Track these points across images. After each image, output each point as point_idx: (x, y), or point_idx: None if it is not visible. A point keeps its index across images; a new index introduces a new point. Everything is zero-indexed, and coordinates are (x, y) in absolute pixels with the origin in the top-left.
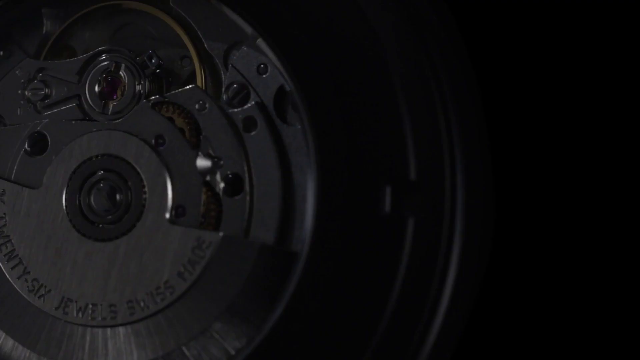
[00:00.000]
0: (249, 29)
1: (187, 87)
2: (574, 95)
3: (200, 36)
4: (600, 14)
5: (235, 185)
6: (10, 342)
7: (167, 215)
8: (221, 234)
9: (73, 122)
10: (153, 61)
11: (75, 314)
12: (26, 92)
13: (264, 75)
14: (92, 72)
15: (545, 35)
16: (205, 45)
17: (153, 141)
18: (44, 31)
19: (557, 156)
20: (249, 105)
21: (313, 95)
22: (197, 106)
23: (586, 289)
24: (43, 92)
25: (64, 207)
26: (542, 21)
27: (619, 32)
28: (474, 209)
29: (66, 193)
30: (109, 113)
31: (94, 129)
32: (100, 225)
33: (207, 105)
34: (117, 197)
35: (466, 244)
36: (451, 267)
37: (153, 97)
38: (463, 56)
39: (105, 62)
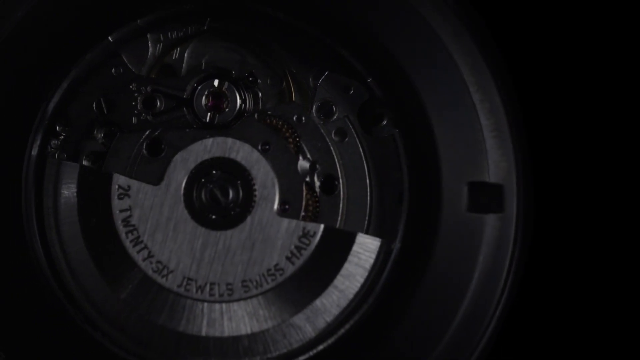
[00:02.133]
0: (334, 50)
1: (287, 102)
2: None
3: (290, 61)
4: None
5: (330, 185)
6: (135, 315)
7: (275, 209)
8: (322, 225)
9: (187, 130)
10: (251, 79)
11: (195, 291)
12: (139, 105)
13: (348, 94)
14: (199, 88)
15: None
16: (294, 69)
17: (260, 147)
18: (149, 52)
19: (597, 157)
20: (339, 118)
21: (401, 108)
22: (294, 118)
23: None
24: (155, 105)
25: (183, 201)
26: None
27: None
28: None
29: (184, 189)
30: (215, 122)
31: (207, 136)
32: (215, 217)
33: (303, 117)
34: (230, 193)
35: (525, 239)
36: (515, 258)
37: (258, 110)
38: (505, 74)
39: (211, 80)
